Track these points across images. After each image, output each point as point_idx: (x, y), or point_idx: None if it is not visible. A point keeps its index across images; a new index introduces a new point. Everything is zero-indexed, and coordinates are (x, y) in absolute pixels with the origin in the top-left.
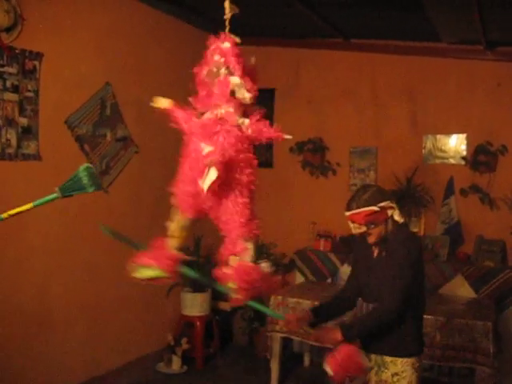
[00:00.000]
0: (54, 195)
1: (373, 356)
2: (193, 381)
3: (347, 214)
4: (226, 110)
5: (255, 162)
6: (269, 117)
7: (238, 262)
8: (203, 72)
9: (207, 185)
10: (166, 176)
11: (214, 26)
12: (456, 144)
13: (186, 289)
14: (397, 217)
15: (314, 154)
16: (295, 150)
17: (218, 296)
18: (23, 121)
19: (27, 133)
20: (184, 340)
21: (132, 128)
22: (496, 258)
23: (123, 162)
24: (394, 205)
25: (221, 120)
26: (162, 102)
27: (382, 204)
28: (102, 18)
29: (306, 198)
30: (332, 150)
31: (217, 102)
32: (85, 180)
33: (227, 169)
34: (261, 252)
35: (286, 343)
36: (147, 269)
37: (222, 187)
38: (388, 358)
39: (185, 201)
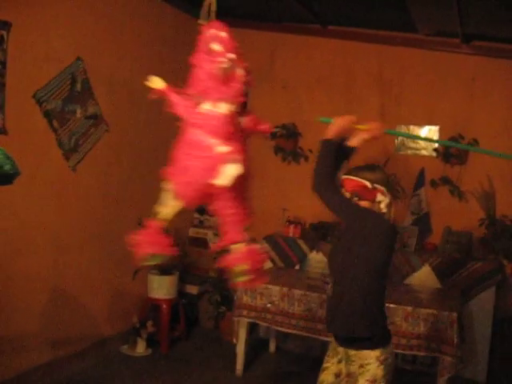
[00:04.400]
0: None
1: (341, 349)
2: (157, 364)
3: (342, 177)
4: (230, 107)
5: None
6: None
7: (244, 246)
8: (211, 64)
9: (227, 180)
10: (137, 156)
11: (189, 5)
12: (428, 136)
13: (153, 271)
14: (383, 205)
15: (286, 140)
16: (268, 135)
17: (185, 279)
18: None
19: None
20: (149, 323)
21: (103, 106)
22: (463, 250)
23: (93, 140)
24: (387, 195)
25: (228, 117)
26: (157, 83)
27: (376, 185)
28: None
29: (277, 184)
30: (305, 136)
31: (223, 96)
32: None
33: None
34: None
35: (253, 328)
36: (155, 257)
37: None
38: (351, 352)
39: (186, 191)
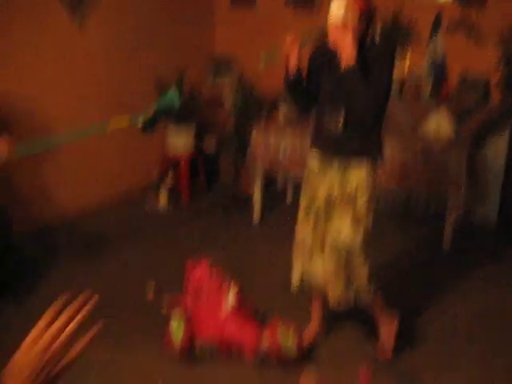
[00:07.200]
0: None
1: (335, 167)
2: (178, 216)
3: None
4: None
5: None
6: None
7: None
8: None
9: None
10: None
11: None
12: None
13: (170, 126)
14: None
15: None
16: None
17: (203, 137)
18: None
19: None
20: (169, 175)
21: None
22: (479, 96)
23: None
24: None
25: None
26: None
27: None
28: None
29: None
30: None
31: None
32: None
33: None
34: None
35: (271, 181)
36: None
37: None
38: (354, 160)
39: None
